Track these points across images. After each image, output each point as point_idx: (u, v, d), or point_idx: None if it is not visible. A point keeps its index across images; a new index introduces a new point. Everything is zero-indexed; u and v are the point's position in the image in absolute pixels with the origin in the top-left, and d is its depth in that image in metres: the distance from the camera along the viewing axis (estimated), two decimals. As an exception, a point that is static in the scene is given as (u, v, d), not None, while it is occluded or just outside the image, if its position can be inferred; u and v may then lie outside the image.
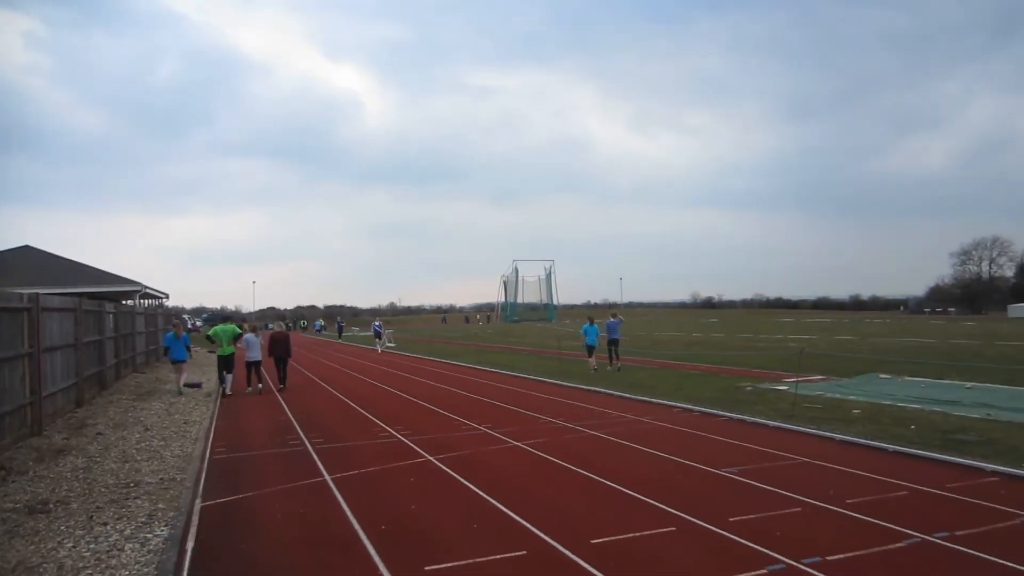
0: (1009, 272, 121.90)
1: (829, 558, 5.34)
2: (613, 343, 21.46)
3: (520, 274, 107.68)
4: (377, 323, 47.49)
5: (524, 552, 5.61)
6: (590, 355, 21.17)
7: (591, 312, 28.55)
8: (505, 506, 6.93)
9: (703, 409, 12.97)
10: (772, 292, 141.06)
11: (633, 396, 15.05)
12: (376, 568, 5.36)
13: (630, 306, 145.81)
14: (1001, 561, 5.24)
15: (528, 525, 6.29)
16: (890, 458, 8.90)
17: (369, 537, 6.10)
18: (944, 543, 5.68)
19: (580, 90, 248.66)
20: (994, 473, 7.96)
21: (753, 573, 5.08)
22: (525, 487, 7.73)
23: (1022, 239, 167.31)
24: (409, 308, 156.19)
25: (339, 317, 57.76)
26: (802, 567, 5.18)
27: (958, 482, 7.61)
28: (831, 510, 6.64)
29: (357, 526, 6.42)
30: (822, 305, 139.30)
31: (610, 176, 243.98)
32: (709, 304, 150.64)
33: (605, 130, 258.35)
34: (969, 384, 16.34)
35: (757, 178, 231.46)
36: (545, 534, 6.02)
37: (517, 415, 12.99)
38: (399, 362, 28.89)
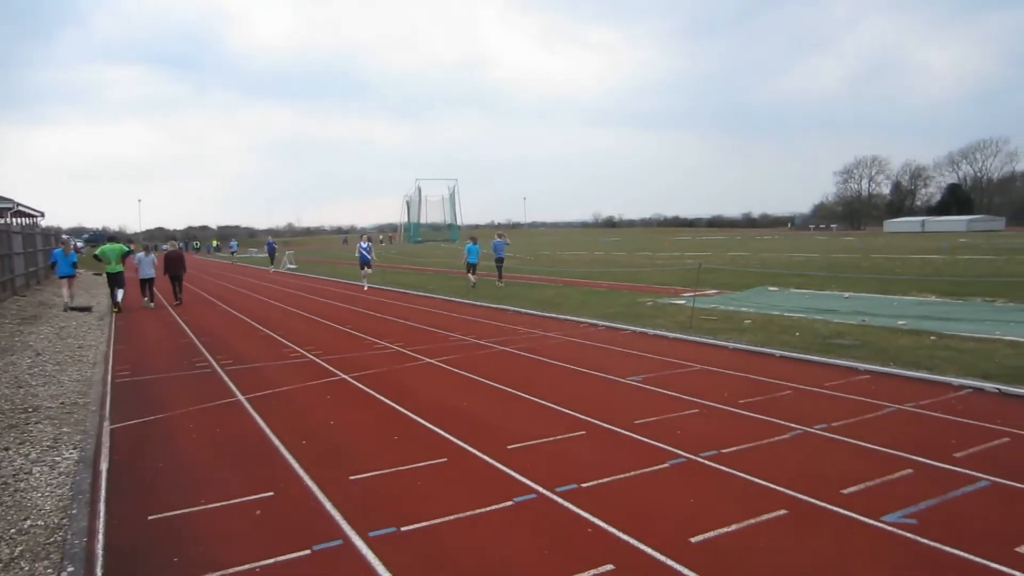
0: (886, 189, 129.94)
1: (724, 451, 5.86)
2: (499, 262, 23.41)
3: (423, 194, 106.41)
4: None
5: (445, 459, 5.87)
6: (470, 272, 22.32)
7: (497, 230, 29.31)
8: (424, 419, 7.15)
9: (608, 324, 13.53)
10: (670, 211, 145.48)
11: (541, 313, 15.49)
12: (300, 478, 5.50)
13: (534, 226, 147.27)
14: (869, 445, 5.91)
15: (447, 435, 6.54)
16: (777, 362, 9.65)
17: (290, 450, 6.20)
18: (823, 433, 6.32)
19: (483, 2, 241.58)
20: (866, 372, 8.80)
21: (656, 467, 5.53)
22: (442, 401, 7.97)
23: (899, 158, 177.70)
24: (308, 229, 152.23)
25: (270, 239, 55.41)
26: (700, 459, 5.67)
27: (835, 381, 8.38)
28: (725, 410, 7.21)
29: (277, 442, 6.50)
30: (717, 223, 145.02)
31: (515, 94, 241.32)
32: (610, 223, 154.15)
33: (509, 46, 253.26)
34: (847, 294, 17.67)
35: (659, 98, 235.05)
36: (464, 442, 6.29)
37: (428, 334, 13.18)
38: (301, 283, 28.39)
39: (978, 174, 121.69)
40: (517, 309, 16.35)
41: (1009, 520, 4.43)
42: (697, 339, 11.56)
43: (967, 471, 5.30)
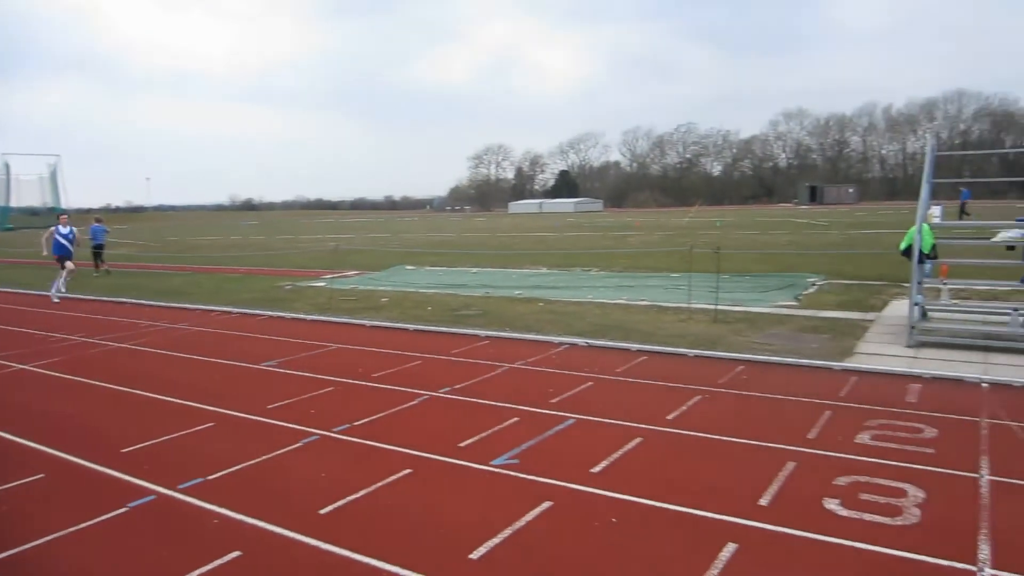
0: (510, 174, 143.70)
1: (356, 423, 6.06)
2: (97, 248, 21.58)
3: (12, 172, 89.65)
4: None
5: (43, 475, 5.15)
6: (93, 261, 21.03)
7: (95, 215, 26.29)
8: (16, 435, 6.15)
9: (242, 310, 12.98)
10: (312, 193, 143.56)
11: (167, 304, 14.24)
12: None
13: (160, 209, 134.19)
14: (484, 401, 6.61)
15: (48, 450, 5.73)
16: (411, 336, 10.21)
17: None
18: (446, 396, 6.89)
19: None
20: (487, 338, 9.76)
21: (287, 448, 5.52)
22: (42, 411, 6.93)
23: (520, 146, 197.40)
24: None
25: None
26: (332, 435, 5.80)
27: (461, 348, 9.16)
28: (359, 385, 7.45)
29: None
30: (360, 206, 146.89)
31: (134, 59, 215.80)
32: (249, 206, 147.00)
33: (127, 4, 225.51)
34: (475, 269, 19.31)
35: (300, 76, 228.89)
36: (67, 453, 5.58)
37: (22, 336, 11.30)
38: None
39: (582, 162, 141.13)
40: (138, 301, 14.80)
41: (587, 448, 5.31)
42: (335, 319, 11.69)
43: (560, 413, 6.22)
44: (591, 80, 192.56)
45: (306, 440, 5.71)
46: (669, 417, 6.06)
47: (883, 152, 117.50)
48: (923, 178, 9.73)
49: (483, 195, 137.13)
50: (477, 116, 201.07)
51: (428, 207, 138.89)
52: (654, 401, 6.55)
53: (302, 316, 12.12)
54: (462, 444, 5.46)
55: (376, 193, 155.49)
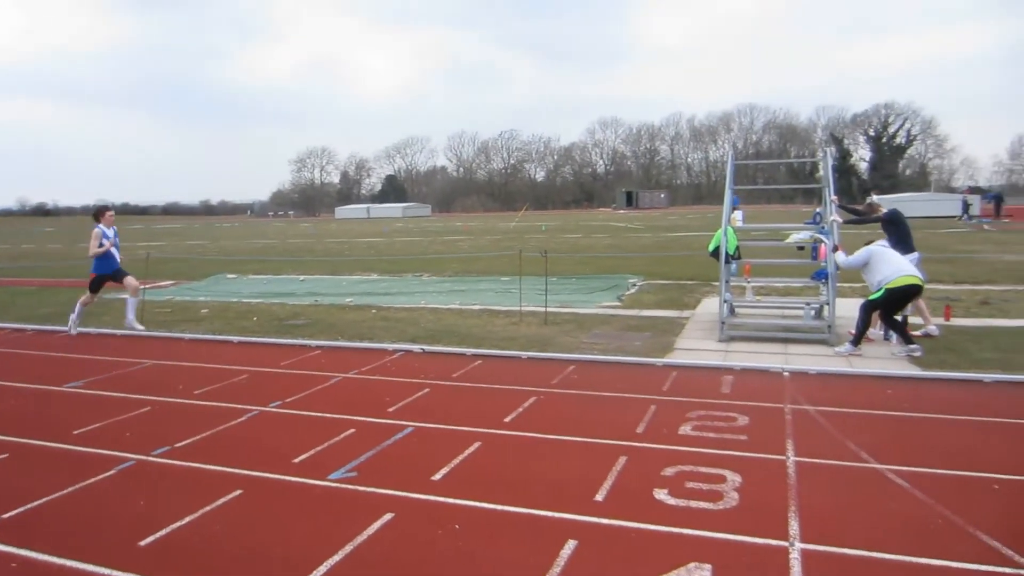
0: (336, 178, 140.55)
1: (177, 444, 5.63)
2: None
3: None
4: None
5: None
6: None
7: None
8: None
9: (38, 327, 11.69)
10: (118, 197, 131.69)
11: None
12: None
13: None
14: (318, 414, 6.39)
15: None
16: (235, 348, 9.67)
17: None
18: (277, 410, 6.59)
19: None
20: (318, 348, 9.44)
21: (99, 476, 5.01)
22: None
23: (345, 149, 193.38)
24: None
25: None
26: (151, 459, 5.35)
27: (291, 359, 8.79)
28: (180, 403, 6.94)
29: None
30: (173, 211, 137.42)
31: None
32: (43, 211, 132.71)
33: None
34: (303, 277, 18.66)
35: (97, 68, 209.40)
36: None
37: None
38: None
39: (409, 167, 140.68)
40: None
41: (427, 456, 5.28)
42: (152, 333, 10.82)
43: (397, 421, 6.14)
44: (416, 84, 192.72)
45: (121, 466, 5.22)
46: (506, 420, 6.17)
47: (689, 160, 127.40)
48: (726, 185, 10.68)
49: (308, 200, 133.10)
50: (299, 118, 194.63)
51: (249, 212, 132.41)
52: (491, 404, 6.65)
53: (111, 331, 11.10)
54: (296, 460, 5.24)
55: (191, 197, 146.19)
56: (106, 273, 11.14)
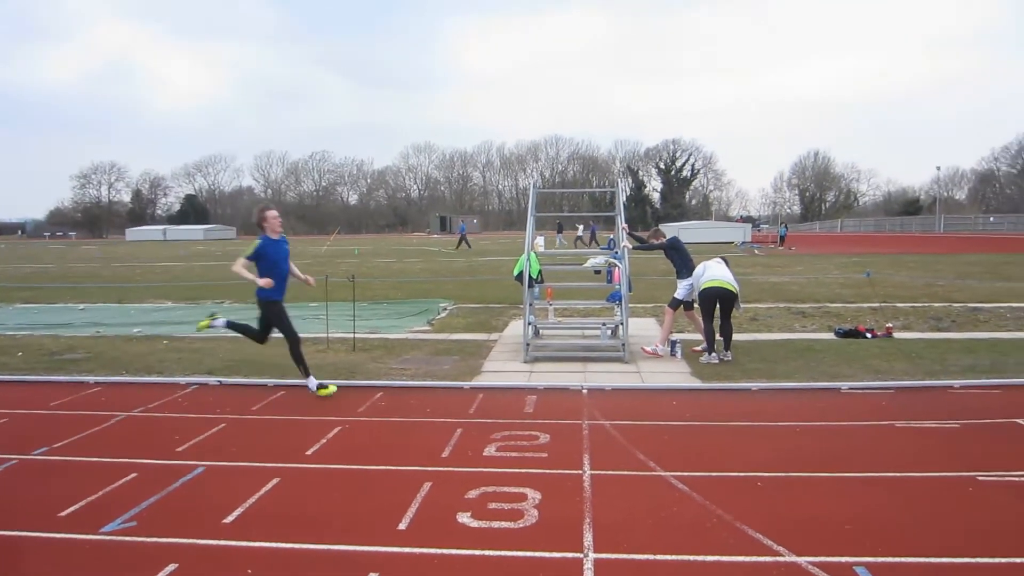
0: (127, 197, 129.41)
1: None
2: None
3: None
4: None
5: None
6: None
7: None
8: None
9: None
10: None
11: None
12: None
13: None
14: (94, 459, 5.76)
15: None
16: (-6, 388, 8.51)
17: None
18: (42, 457, 5.85)
19: None
20: (97, 384, 8.55)
21: None
22: None
23: (138, 166, 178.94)
24: None
25: None
26: None
27: (63, 398, 7.87)
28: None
29: None
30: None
31: None
32: None
33: None
34: (83, 305, 16.89)
35: None
36: None
37: None
38: None
39: (212, 187, 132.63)
40: None
41: (219, 497, 4.92)
42: None
43: (187, 462, 5.68)
44: (218, 100, 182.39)
45: None
46: (308, 452, 5.92)
47: (500, 187, 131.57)
48: (528, 211, 11.10)
49: (93, 219, 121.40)
50: (83, 130, 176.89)
51: (20, 232, 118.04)
52: (293, 437, 6.36)
53: None
54: (63, 513, 4.66)
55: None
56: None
